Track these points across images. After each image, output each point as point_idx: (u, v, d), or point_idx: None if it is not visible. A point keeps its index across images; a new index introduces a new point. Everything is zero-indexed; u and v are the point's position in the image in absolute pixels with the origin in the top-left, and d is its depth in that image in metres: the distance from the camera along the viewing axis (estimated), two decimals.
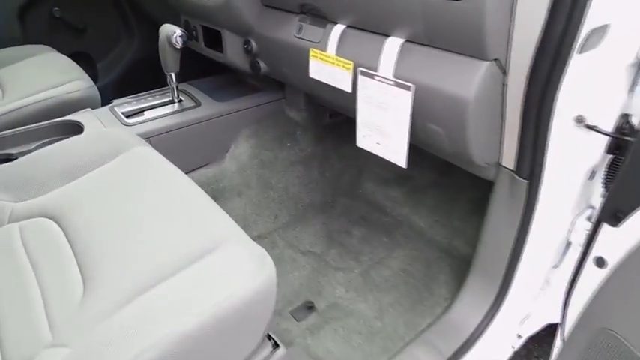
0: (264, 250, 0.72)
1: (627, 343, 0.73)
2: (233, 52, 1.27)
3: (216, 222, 0.77)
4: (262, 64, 1.25)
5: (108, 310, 0.63)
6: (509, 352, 1.17)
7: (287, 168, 1.42)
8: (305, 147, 1.45)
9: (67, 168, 0.93)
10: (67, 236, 0.78)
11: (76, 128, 1.19)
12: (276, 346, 0.79)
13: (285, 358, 0.83)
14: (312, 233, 1.37)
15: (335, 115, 1.51)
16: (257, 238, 1.32)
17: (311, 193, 1.46)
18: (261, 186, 1.36)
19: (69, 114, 1.25)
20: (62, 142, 1.00)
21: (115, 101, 1.33)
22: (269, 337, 0.79)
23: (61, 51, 1.59)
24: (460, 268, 1.25)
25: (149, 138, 1.20)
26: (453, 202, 1.41)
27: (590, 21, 0.71)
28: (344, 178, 1.54)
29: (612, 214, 0.89)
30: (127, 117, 1.25)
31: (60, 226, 0.80)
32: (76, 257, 0.73)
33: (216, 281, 0.65)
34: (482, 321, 1.08)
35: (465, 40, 0.74)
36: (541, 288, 1.11)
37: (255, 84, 1.47)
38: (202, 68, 1.53)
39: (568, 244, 1.04)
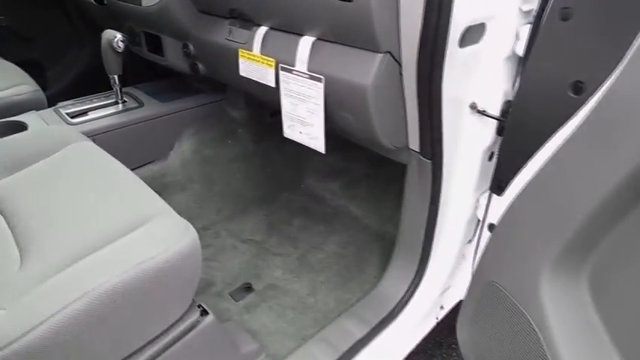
0: (189, 223, 0.80)
1: (506, 292, 0.85)
2: (173, 56, 1.36)
3: (147, 201, 0.85)
4: (201, 66, 1.35)
5: (43, 276, 0.70)
6: (433, 323, 1.29)
7: (229, 164, 1.51)
8: (246, 144, 1.54)
9: (10, 162, 0.99)
10: (6, 220, 0.84)
11: (20, 128, 1.25)
12: (205, 313, 0.87)
13: (220, 332, 0.92)
14: (254, 224, 1.46)
15: (275, 114, 1.61)
16: (201, 230, 1.40)
17: (253, 187, 1.55)
18: (204, 181, 1.45)
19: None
20: (5, 138, 1.06)
21: (60, 103, 1.39)
22: (199, 307, 0.87)
23: (8, 59, 1.63)
24: (390, 250, 1.37)
25: (93, 136, 1.26)
26: (384, 191, 1.53)
27: (464, 20, 0.84)
28: (285, 173, 1.64)
29: (497, 185, 1.03)
30: (72, 117, 1.31)
31: (1, 212, 0.86)
32: (14, 236, 0.80)
33: (141, 247, 0.73)
34: (406, 293, 1.19)
35: (360, 36, 0.86)
36: (458, 262, 1.24)
37: (198, 86, 1.56)
38: (154, 74, 1.61)
39: (479, 220, 1.17)
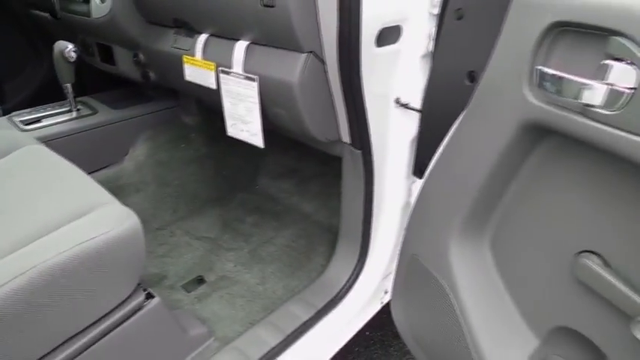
0: (132, 211, 0.87)
1: (424, 263, 0.94)
2: (125, 65, 1.43)
3: (92, 193, 0.92)
4: (152, 74, 1.42)
5: None
6: (379, 306, 1.37)
7: (183, 167, 1.57)
8: (199, 147, 1.62)
9: None
10: None
11: None
12: (150, 296, 0.94)
13: (167, 315, 0.98)
14: (208, 222, 1.52)
15: None
16: (156, 230, 1.46)
17: (208, 188, 1.62)
18: (158, 183, 1.51)
19: None
20: None
21: (15, 112, 1.43)
22: (144, 290, 0.93)
23: None
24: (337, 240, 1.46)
25: (47, 142, 1.32)
26: (332, 187, 1.62)
27: (377, 22, 0.94)
28: (239, 175, 1.72)
29: (419, 169, 1.14)
30: (25, 125, 1.36)
31: None
32: None
33: (83, 230, 0.79)
34: (349, 279, 1.28)
35: (284, 38, 0.96)
36: (397, 248, 1.33)
37: (151, 94, 1.63)
38: (113, 84, 1.67)
39: None
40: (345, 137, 1.12)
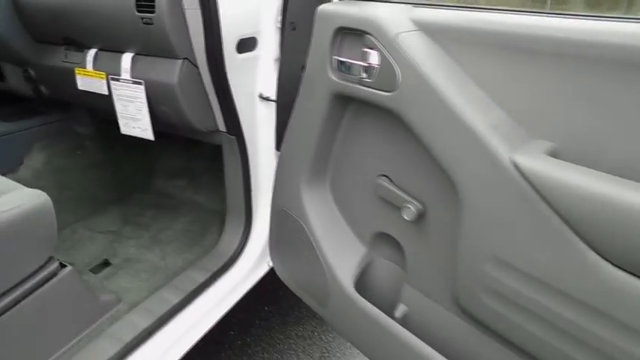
0: (43, 192, 1.05)
1: (288, 210, 1.24)
2: (15, 81, 1.56)
3: (2, 184, 1.08)
4: (43, 88, 1.57)
5: None
6: (266, 267, 1.64)
7: (81, 172, 1.72)
8: (95, 154, 1.77)
9: None
10: None
11: None
12: (63, 266, 1.12)
13: (79, 282, 1.16)
14: (110, 219, 1.69)
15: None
16: (59, 230, 1.58)
17: (107, 190, 1.78)
18: (57, 188, 1.64)
19: None
20: None
21: None
22: (57, 260, 1.11)
23: None
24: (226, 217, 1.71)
25: None
26: (220, 180, 1.87)
27: (235, 35, 1.24)
28: (136, 177, 1.90)
29: (278, 144, 1.45)
30: None
31: None
32: None
33: None
34: (238, 246, 1.53)
35: (163, 49, 1.22)
36: None
37: (42, 109, 1.75)
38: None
39: None
40: (222, 126, 1.40)
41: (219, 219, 1.71)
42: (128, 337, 1.16)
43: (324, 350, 1.90)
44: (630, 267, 0.62)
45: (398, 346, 0.99)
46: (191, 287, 1.36)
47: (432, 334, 0.98)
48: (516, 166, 0.70)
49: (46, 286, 1.07)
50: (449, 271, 0.90)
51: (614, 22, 0.69)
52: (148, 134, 1.36)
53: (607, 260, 0.64)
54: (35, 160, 1.63)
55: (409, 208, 0.93)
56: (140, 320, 1.22)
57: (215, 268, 1.45)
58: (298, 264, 1.27)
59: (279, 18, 1.30)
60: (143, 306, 1.27)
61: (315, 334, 2.00)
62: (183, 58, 1.23)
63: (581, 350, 0.70)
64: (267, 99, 1.40)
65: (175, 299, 1.30)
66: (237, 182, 1.48)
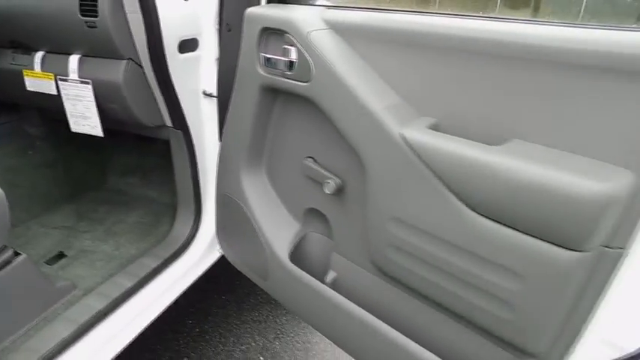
0: None
1: (230, 195, 1.36)
2: None
3: None
4: None
5: None
6: (217, 254, 1.75)
7: (32, 171, 1.77)
8: (47, 154, 1.83)
9: None
10: None
11: None
12: (18, 254, 1.19)
13: (34, 269, 1.23)
14: (64, 215, 1.75)
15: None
16: (13, 228, 1.64)
17: (59, 189, 1.84)
18: (8, 186, 1.68)
19: None
20: None
21: None
22: (12, 249, 1.18)
23: None
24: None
25: None
26: (172, 175, 1.97)
27: (175, 36, 1.35)
28: (89, 175, 1.97)
29: (221, 136, 1.56)
30: None
31: None
32: None
33: None
34: (189, 234, 1.63)
35: (108, 50, 1.31)
36: None
37: None
38: None
39: None
40: (168, 122, 1.50)
41: (171, 211, 1.81)
42: (83, 319, 1.24)
43: (279, 332, 2.03)
44: (487, 213, 0.78)
45: (329, 307, 1.13)
46: (144, 273, 1.45)
47: (357, 294, 1.12)
48: (404, 139, 0.86)
49: (1, 273, 1.14)
50: (364, 235, 1.04)
51: (482, 21, 0.85)
52: (98, 131, 1.44)
53: (472, 209, 0.80)
54: None
55: (329, 183, 1.07)
56: (95, 303, 1.30)
57: (167, 255, 1.55)
58: (242, 244, 1.39)
59: (217, 20, 1.41)
60: (98, 290, 1.36)
61: (270, 317, 2.11)
62: (128, 59, 1.33)
63: (459, 285, 0.85)
64: (210, 95, 1.51)
65: (129, 284, 1.39)
66: (185, 174, 1.58)
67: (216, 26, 1.43)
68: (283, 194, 1.27)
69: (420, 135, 0.84)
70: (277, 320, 2.11)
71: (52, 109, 1.51)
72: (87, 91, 1.38)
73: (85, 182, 1.94)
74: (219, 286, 2.29)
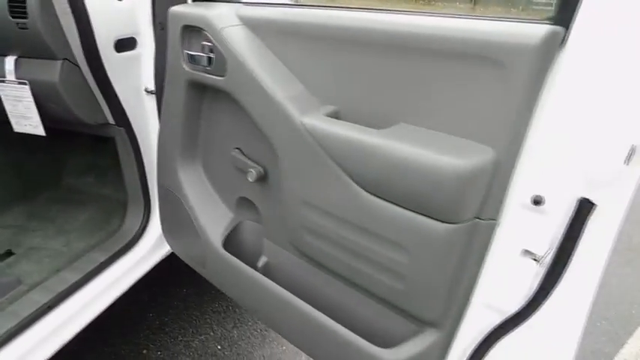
0: None
1: (169, 188, 1.41)
2: None
3: None
4: None
5: None
6: (167, 247, 1.79)
7: None
8: None
9: None
10: None
11: None
12: None
13: None
14: (15, 216, 1.78)
15: None
16: None
17: (10, 191, 1.87)
18: None
19: None
20: None
21: None
22: None
23: None
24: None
25: None
26: None
27: (111, 36, 1.39)
28: (43, 176, 1.99)
29: None
30: None
31: None
32: None
33: None
34: (139, 228, 1.67)
35: (42, 51, 1.34)
36: None
37: None
38: None
39: None
40: (111, 119, 1.54)
41: (122, 209, 1.84)
42: (26, 313, 1.28)
43: (237, 321, 2.08)
44: (376, 191, 0.84)
45: (258, 290, 1.19)
46: (91, 267, 1.49)
47: (284, 275, 1.18)
48: (304, 127, 0.91)
49: None
50: (283, 220, 1.10)
51: (378, 14, 0.91)
52: (40, 130, 1.47)
53: (364, 189, 0.86)
54: None
55: (251, 172, 1.12)
56: (39, 297, 1.34)
57: (116, 249, 1.59)
58: (182, 234, 1.44)
59: (151, 19, 1.45)
60: (43, 285, 1.39)
61: (230, 308, 2.17)
62: (63, 59, 1.36)
63: (360, 260, 0.92)
64: (152, 92, 1.55)
65: (75, 278, 1.43)
66: (132, 170, 1.62)
67: (152, 25, 1.48)
68: (217, 185, 1.32)
69: (318, 122, 0.90)
70: (236, 310, 2.16)
71: None
72: (25, 92, 1.41)
73: (39, 183, 1.96)
74: (180, 278, 2.33)
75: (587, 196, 0.75)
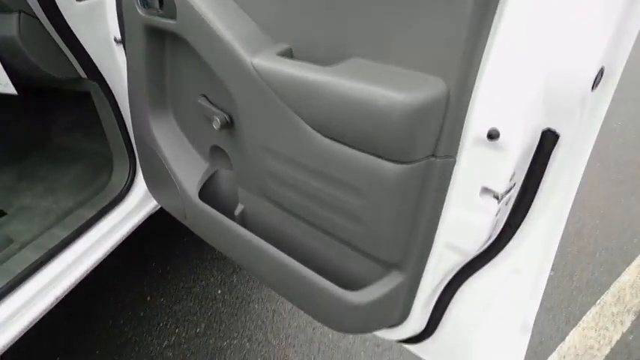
0: None
1: (148, 142, 1.38)
2: None
3: None
4: None
5: None
6: (154, 203, 1.79)
7: None
8: None
9: None
10: None
11: None
12: None
13: None
14: (5, 176, 1.80)
15: None
16: None
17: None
18: None
19: None
20: None
21: None
22: None
23: None
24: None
25: None
26: None
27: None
28: (31, 135, 1.99)
29: None
30: None
31: None
32: None
33: None
34: (125, 184, 1.67)
35: None
36: None
37: None
38: None
39: None
40: (82, 73, 1.49)
41: (110, 163, 1.84)
42: (18, 270, 1.31)
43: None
44: (328, 133, 0.80)
45: (234, 238, 1.18)
46: (80, 223, 1.51)
47: (258, 223, 1.17)
48: (254, 67, 0.86)
49: None
50: (248, 166, 1.08)
51: None
52: (10, 89, 1.44)
53: (316, 131, 0.82)
54: None
55: (216, 119, 1.08)
56: (31, 255, 1.37)
57: (103, 205, 1.60)
58: (163, 186, 1.43)
59: None
60: (34, 243, 1.42)
61: None
62: (18, 11, 1.30)
63: (321, 204, 0.90)
64: (121, 42, 1.49)
65: (65, 234, 1.46)
66: (112, 124, 1.60)
67: None
68: (190, 135, 1.29)
69: (267, 63, 0.84)
70: None
71: None
72: None
73: (27, 143, 1.96)
74: (179, 228, 2.37)
75: (549, 127, 0.70)
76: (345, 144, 0.78)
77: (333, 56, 0.83)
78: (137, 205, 1.67)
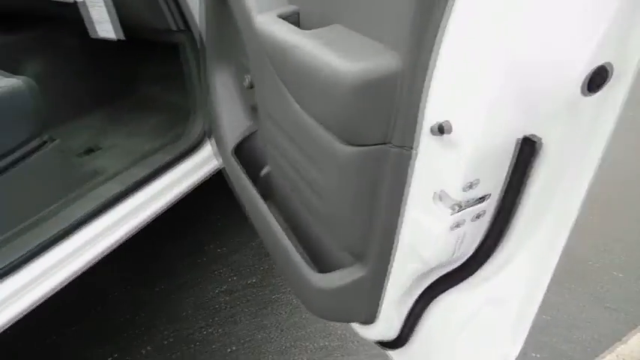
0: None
1: (210, 92, 1.46)
2: None
3: None
4: None
5: None
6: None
7: (65, 79, 1.97)
8: (77, 64, 2.02)
9: None
10: None
11: None
12: (52, 140, 1.39)
13: (60, 153, 1.43)
14: (94, 119, 1.97)
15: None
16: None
17: (90, 96, 2.05)
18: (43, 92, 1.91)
19: None
20: None
21: None
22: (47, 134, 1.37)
23: None
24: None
25: None
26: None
27: None
28: (120, 84, 2.15)
29: None
30: None
31: None
32: None
33: None
34: (199, 134, 1.78)
35: None
36: None
37: (28, 23, 1.98)
38: None
39: None
40: (173, 25, 1.60)
41: (188, 114, 1.96)
42: (101, 201, 1.45)
43: None
44: (299, 101, 0.78)
45: (246, 198, 1.23)
46: (157, 165, 1.63)
47: (268, 188, 1.19)
48: (256, 27, 0.86)
49: (35, 155, 1.35)
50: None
51: None
52: (115, 35, 1.57)
53: (293, 97, 0.81)
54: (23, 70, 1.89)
55: (245, 78, 1.13)
56: (114, 187, 1.51)
57: (179, 152, 1.71)
58: (215, 134, 1.50)
59: None
60: (117, 178, 1.56)
61: None
62: None
63: (299, 176, 0.90)
64: None
65: (143, 173, 1.58)
66: (194, 77, 1.70)
67: None
68: (240, 91, 1.34)
69: (266, 24, 0.83)
70: None
71: (72, 18, 1.65)
72: None
73: (114, 90, 2.13)
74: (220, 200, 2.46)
75: (530, 133, 0.57)
76: (308, 113, 0.75)
77: (324, 20, 0.79)
78: (208, 157, 1.78)
